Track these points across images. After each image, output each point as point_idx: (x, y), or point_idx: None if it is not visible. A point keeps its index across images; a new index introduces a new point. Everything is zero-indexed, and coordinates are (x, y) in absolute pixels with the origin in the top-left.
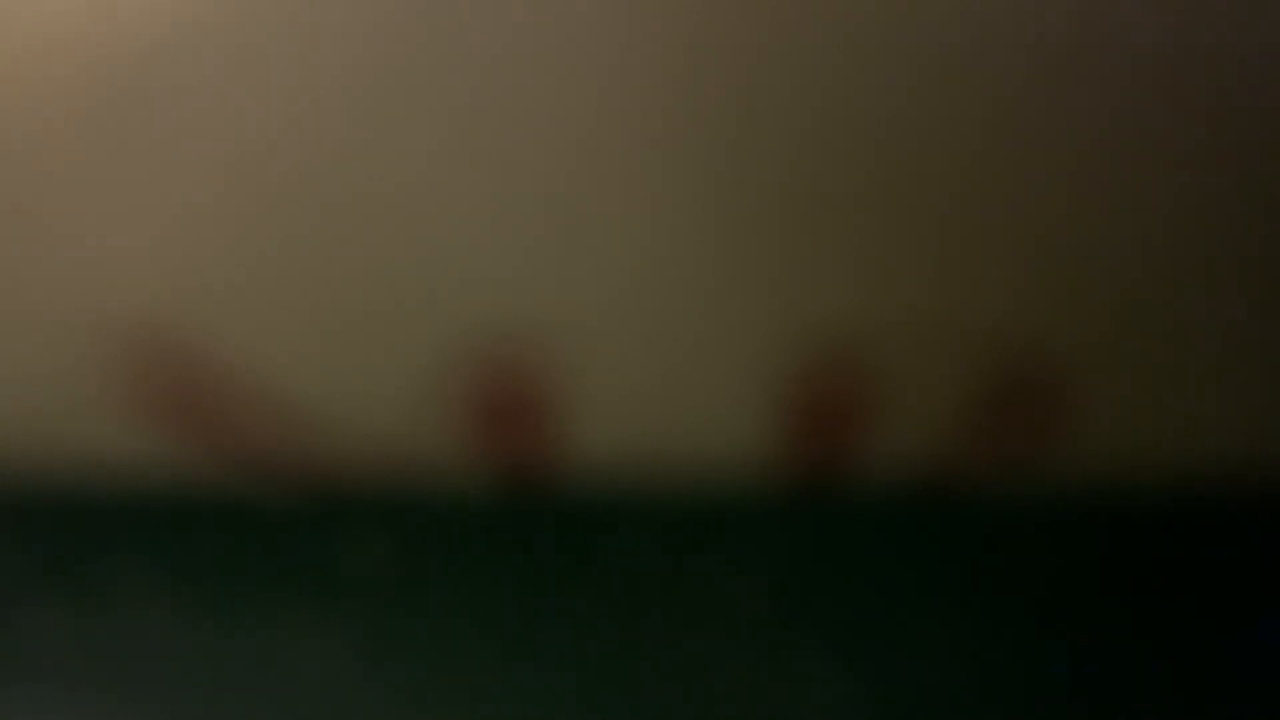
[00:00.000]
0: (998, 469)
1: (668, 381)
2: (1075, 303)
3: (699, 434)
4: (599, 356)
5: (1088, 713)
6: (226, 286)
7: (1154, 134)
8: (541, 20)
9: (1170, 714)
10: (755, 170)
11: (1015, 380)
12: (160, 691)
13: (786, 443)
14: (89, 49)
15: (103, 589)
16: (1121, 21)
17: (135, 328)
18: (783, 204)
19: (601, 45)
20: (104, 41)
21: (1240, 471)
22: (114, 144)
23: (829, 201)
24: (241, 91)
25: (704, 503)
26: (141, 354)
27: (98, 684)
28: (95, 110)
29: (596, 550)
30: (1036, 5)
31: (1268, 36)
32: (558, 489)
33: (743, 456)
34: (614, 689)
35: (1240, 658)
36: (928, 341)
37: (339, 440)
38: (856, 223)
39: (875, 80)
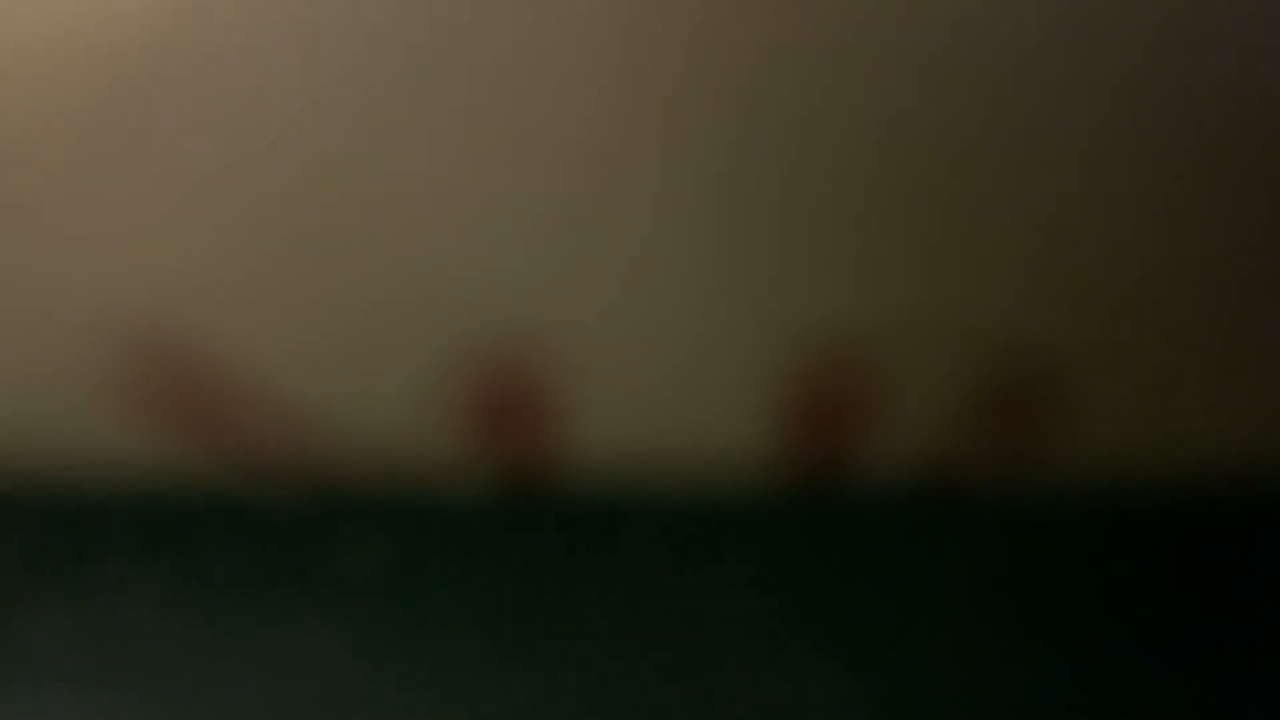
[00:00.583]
0: (998, 469)
1: (668, 381)
2: (1075, 303)
3: (699, 434)
4: (599, 356)
5: (1087, 712)
6: (226, 286)
7: (1154, 134)
8: (542, 21)
9: (1170, 714)
10: (755, 170)
11: (1015, 380)
12: (160, 691)
13: (787, 443)
14: (89, 49)
15: (103, 589)
16: (1120, 22)
17: (135, 328)
18: (783, 204)
19: (602, 46)
20: (104, 42)
21: (1240, 471)
22: (114, 144)
23: (829, 202)
24: (242, 92)
25: (704, 503)
26: (141, 354)
27: (97, 683)
28: (95, 110)
29: (597, 550)
30: (1036, 6)
31: (1268, 36)
32: (558, 489)
33: (743, 456)
34: (614, 688)
35: (1240, 658)
36: (928, 341)
37: (339, 440)
38: (856, 223)
39: (875, 81)
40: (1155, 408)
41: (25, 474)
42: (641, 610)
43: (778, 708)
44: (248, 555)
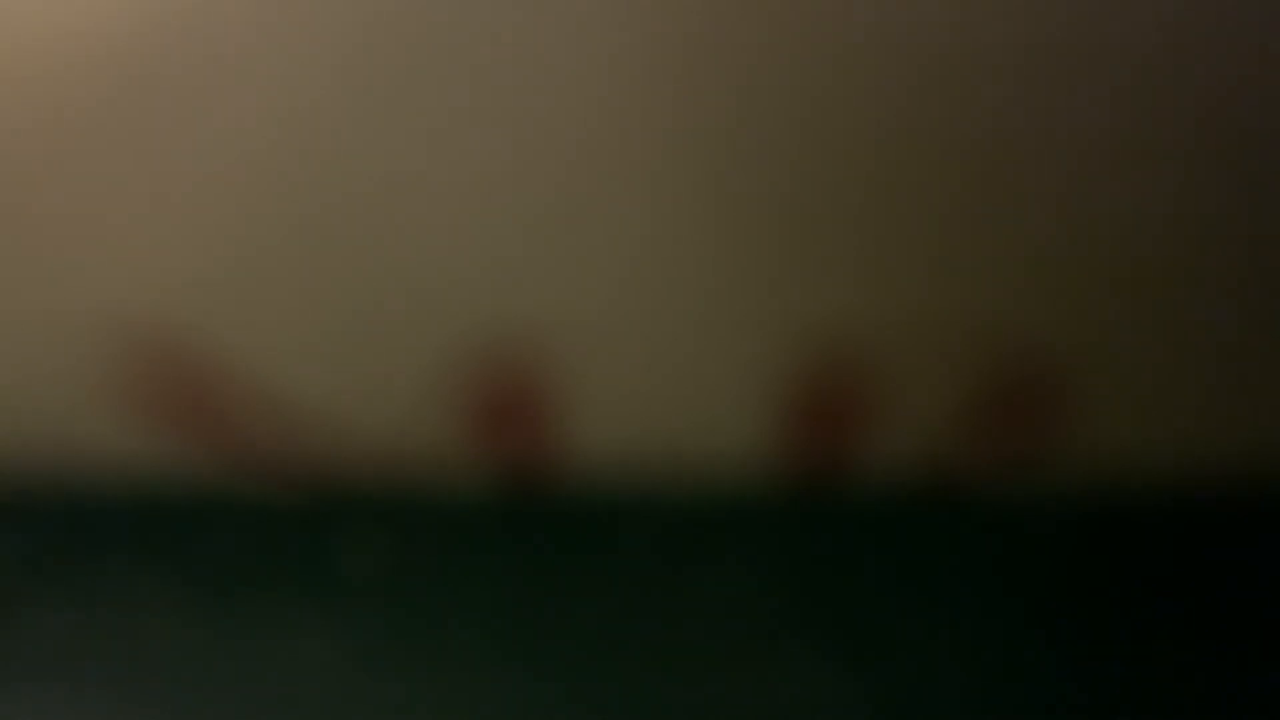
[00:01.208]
0: (998, 469)
1: (668, 381)
2: (1075, 303)
3: (699, 434)
4: (599, 356)
5: (1087, 712)
6: (227, 286)
7: (1154, 134)
8: (542, 21)
9: (1170, 714)
10: (756, 171)
11: (1015, 380)
12: (160, 690)
13: (787, 442)
14: (89, 49)
15: (103, 589)
16: (1120, 22)
17: (135, 328)
18: (783, 204)
19: (602, 46)
20: (104, 42)
21: (1240, 471)
22: (114, 144)
23: (829, 202)
24: (242, 93)
25: (704, 503)
26: (141, 354)
27: (98, 683)
28: (95, 111)
29: (597, 550)
30: (1035, 7)
31: (1267, 36)
32: (558, 489)
33: (743, 456)
34: (613, 688)
35: (1240, 657)
36: (928, 341)
37: (339, 440)
38: (856, 223)
39: (875, 81)
40: (1155, 408)
41: (25, 474)
42: (641, 610)
43: (778, 707)
44: (248, 555)
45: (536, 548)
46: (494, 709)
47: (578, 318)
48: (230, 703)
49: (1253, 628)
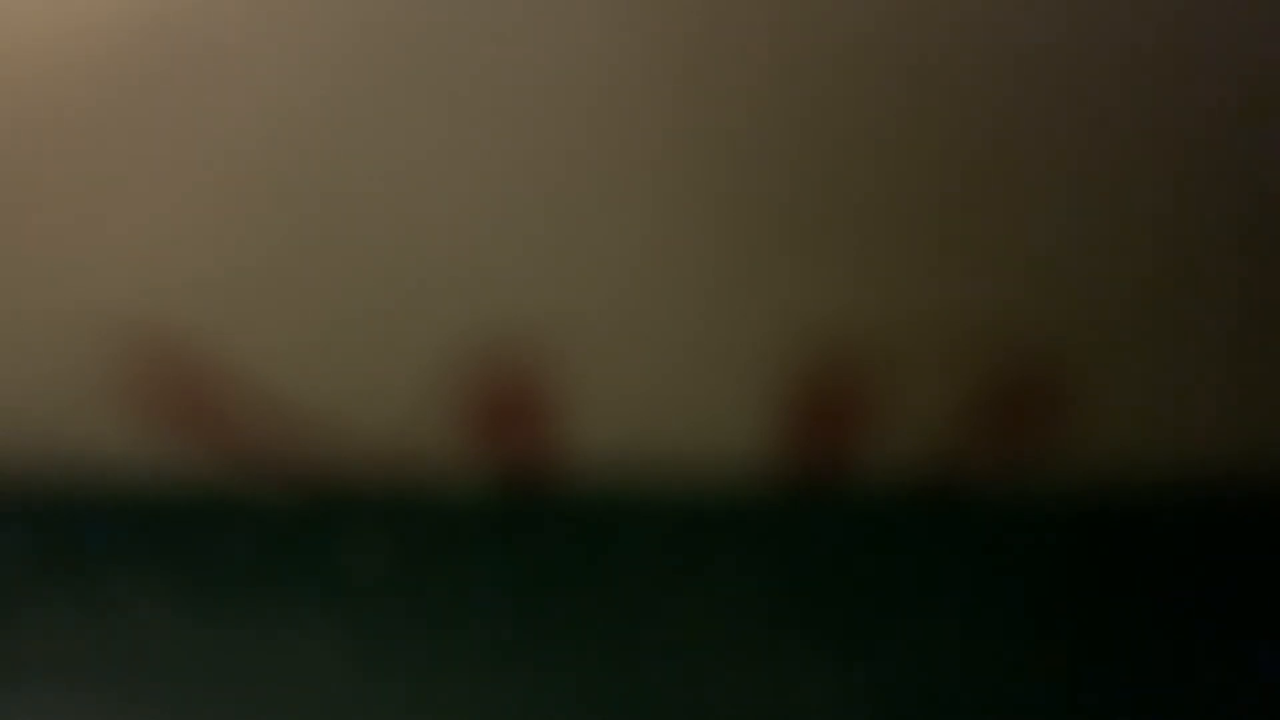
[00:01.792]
0: (998, 469)
1: (668, 381)
2: (1077, 302)
3: (699, 434)
4: (599, 356)
5: (1087, 712)
6: (227, 286)
7: (1154, 135)
8: (542, 20)
9: (1170, 714)
10: (756, 170)
11: (1016, 380)
12: (160, 690)
13: (787, 442)
14: (87, 48)
15: (103, 589)
16: (1119, 23)
17: (135, 327)
18: (783, 204)
19: (602, 45)
20: (103, 41)
21: (1242, 471)
22: (113, 144)
23: (829, 201)
24: (242, 92)
25: (704, 503)
26: (141, 354)
27: (98, 683)
28: (94, 110)
29: (596, 550)
30: (1035, 8)
31: (1267, 37)
32: (558, 489)
33: (743, 456)
34: (614, 688)
35: (1240, 657)
36: (928, 341)
37: (339, 440)
38: (857, 223)
39: (876, 81)
40: (1157, 407)
41: (25, 474)
42: (641, 610)
43: (777, 707)
44: (248, 555)
45: (536, 548)
46: (494, 709)
47: (577, 318)
48: (230, 702)
49: (1253, 628)
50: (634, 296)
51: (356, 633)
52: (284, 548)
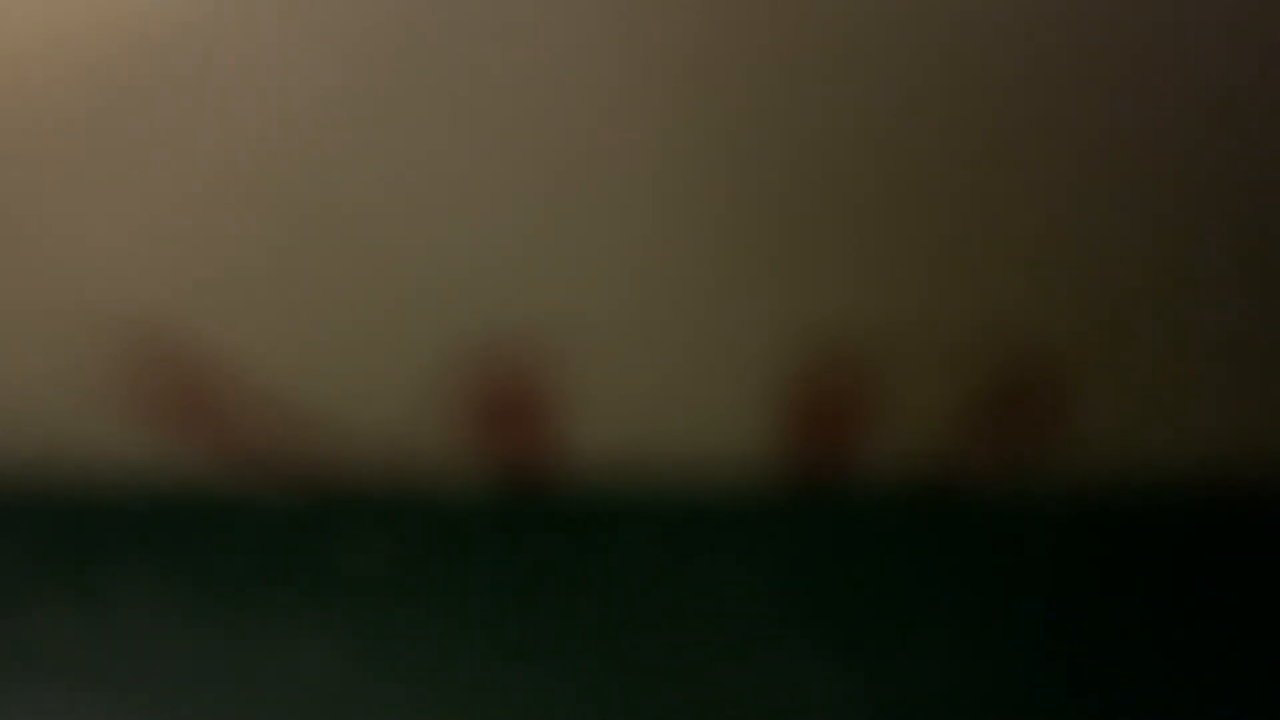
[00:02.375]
0: (998, 469)
1: (668, 381)
2: (1075, 303)
3: (699, 434)
4: (599, 356)
5: (1087, 712)
6: (226, 286)
7: (1154, 134)
8: (543, 21)
9: (1170, 714)
10: (756, 170)
11: (1015, 380)
12: (160, 690)
13: (787, 442)
14: (88, 48)
15: (103, 589)
16: (1120, 21)
17: (135, 328)
18: (783, 204)
19: (602, 46)
20: (103, 40)
21: (1241, 471)
22: (113, 143)
23: (829, 201)
24: (242, 91)
25: (704, 503)
26: (141, 354)
27: (98, 683)
28: (94, 110)
29: (596, 550)
30: (1034, 7)
31: (1268, 36)
32: (558, 489)
33: (743, 456)
34: (614, 688)
35: (1240, 657)
36: (928, 341)
37: (339, 440)
38: (857, 223)
39: (875, 80)
40: (1156, 408)
41: (26, 474)
42: (641, 610)
43: (777, 708)
44: (248, 555)
45: (536, 548)
46: (494, 709)
47: (578, 318)
48: (230, 702)
49: (1253, 628)
50: (634, 297)
51: (356, 633)
52: (284, 548)
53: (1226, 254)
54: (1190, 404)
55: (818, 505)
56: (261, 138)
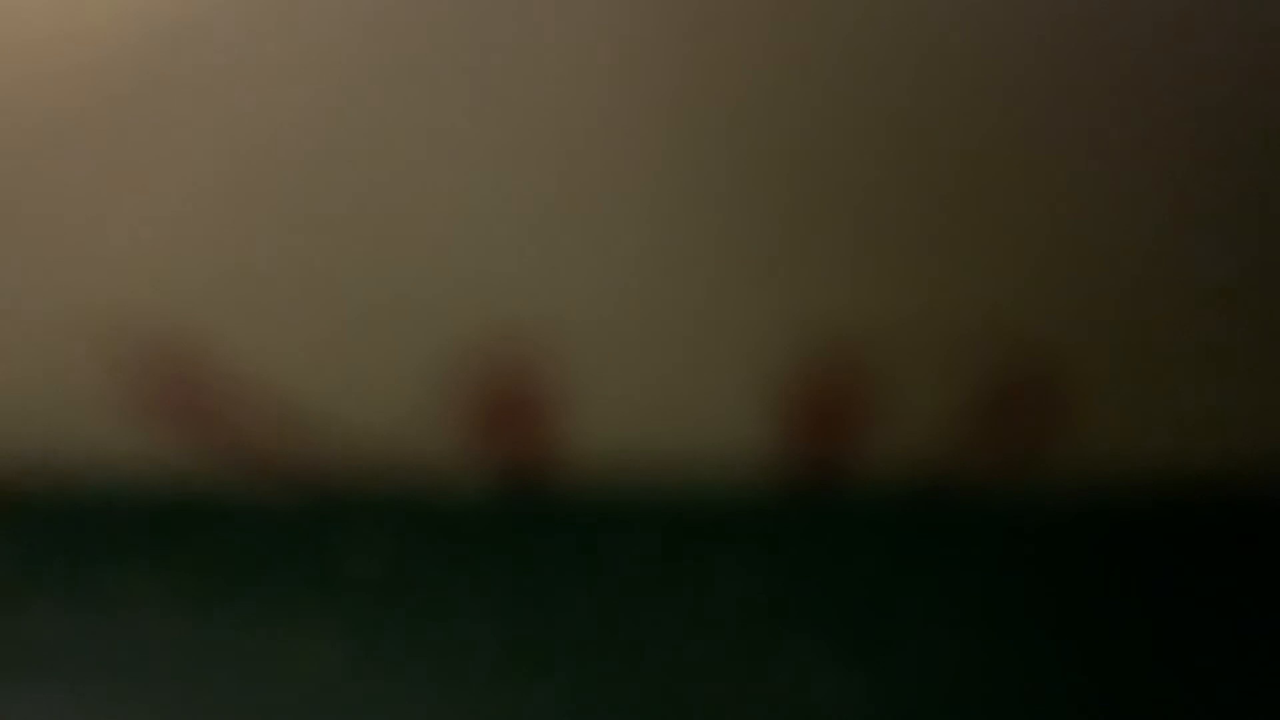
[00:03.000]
0: (998, 468)
1: (668, 380)
2: (1076, 302)
3: (699, 432)
4: (599, 355)
5: (1087, 712)
6: (227, 287)
7: (1155, 133)
8: (543, 20)
9: (1170, 713)
10: (755, 169)
11: (1015, 380)
12: (160, 690)
13: (787, 441)
14: (88, 47)
15: (103, 588)
16: (1119, 21)
17: (135, 327)
18: (783, 203)
19: (602, 45)
20: (104, 40)
21: (1241, 471)
22: (114, 144)
23: (829, 201)
24: (242, 92)
25: (704, 502)
26: (141, 354)
27: (97, 682)
28: (95, 110)
29: (596, 549)
30: (1035, 7)
31: (1267, 37)
32: (558, 488)
33: (743, 455)
34: (613, 688)
35: (1240, 657)
36: (928, 341)
37: (339, 440)
38: (856, 222)
39: (875, 80)
40: (1156, 407)
41: (25, 474)
42: (641, 609)
43: (778, 707)
44: (247, 555)
45: (536, 548)
46: (494, 709)
47: (577, 318)
48: (230, 702)
49: (1252, 628)
50: (634, 297)
51: (356, 632)
52: (284, 547)
53: (1226, 254)
54: (1190, 404)
55: (818, 504)
56: (262, 139)
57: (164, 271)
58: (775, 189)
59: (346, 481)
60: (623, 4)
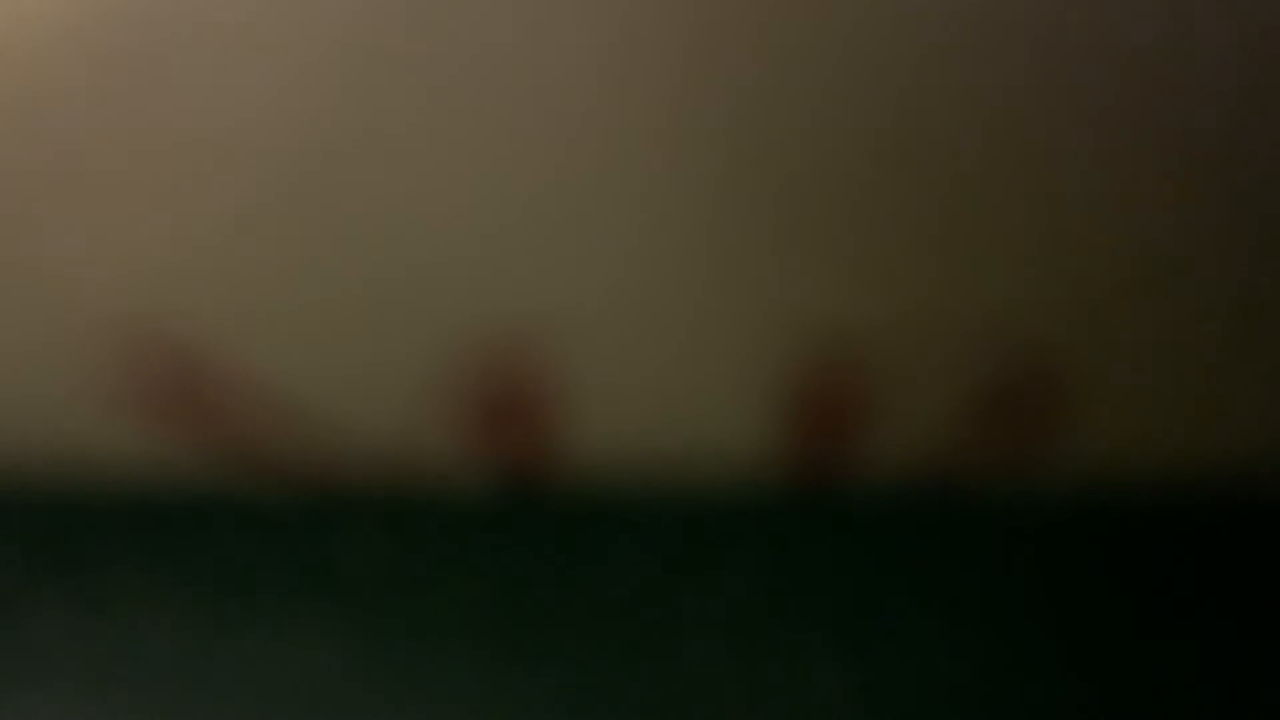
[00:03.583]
0: (998, 468)
1: (667, 379)
2: (1075, 301)
3: (698, 431)
4: (598, 355)
5: (1087, 711)
6: (226, 286)
7: (1154, 135)
8: (542, 19)
9: (1170, 713)
10: (755, 169)
11: (1015, 379)
12: (159, 690)
13: (786, 441)
14: (88, 45)
15: (102, 589)
16: (1121, 22)
17: (135, 328)
18: (782, 202)
19: (601, 44)
20: (104, 38)
21: (1241, 470)
22: (113, 145)
23: (828, 200)
24: (242, 90)
25: (703, 502)
26: (141, 354)
27: (97, 682)
28: (95, 111)
29: (595, 548)
30: (1035, 7)
31: (1267, 37)
32: (557, 488)
33: (742, 454)
34: (613, 687)
35: (1240, 657)
36: (928, 339)
37: (339, 440)
38: (856, 221)
39: (875, 79)
40: (1156, 407)
41: (25, 474)
42: (641, 609)
43: (778, 706)
44: (248, 555)
45: (536, 547)
46: (494, 708)
47: (576, 316)
48: (230, 703)
49: (1253, 627)
50: (634, 296)
51: (356, 632)
52: (284, 547)
53: (1224, 254)
54: (1190, 403)
55: (817, 503)
56: (260, 139)
57: (164, 272)
58: (775, 188)
59: (346, 481)
60: (621, 3)
